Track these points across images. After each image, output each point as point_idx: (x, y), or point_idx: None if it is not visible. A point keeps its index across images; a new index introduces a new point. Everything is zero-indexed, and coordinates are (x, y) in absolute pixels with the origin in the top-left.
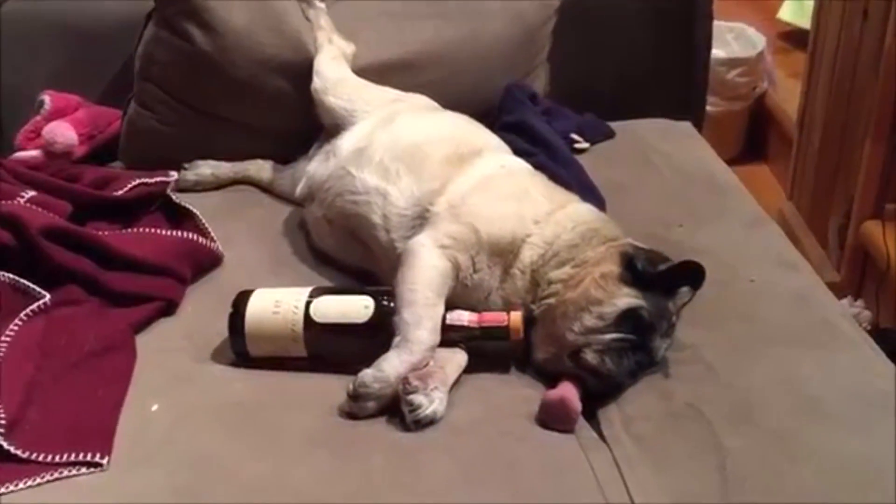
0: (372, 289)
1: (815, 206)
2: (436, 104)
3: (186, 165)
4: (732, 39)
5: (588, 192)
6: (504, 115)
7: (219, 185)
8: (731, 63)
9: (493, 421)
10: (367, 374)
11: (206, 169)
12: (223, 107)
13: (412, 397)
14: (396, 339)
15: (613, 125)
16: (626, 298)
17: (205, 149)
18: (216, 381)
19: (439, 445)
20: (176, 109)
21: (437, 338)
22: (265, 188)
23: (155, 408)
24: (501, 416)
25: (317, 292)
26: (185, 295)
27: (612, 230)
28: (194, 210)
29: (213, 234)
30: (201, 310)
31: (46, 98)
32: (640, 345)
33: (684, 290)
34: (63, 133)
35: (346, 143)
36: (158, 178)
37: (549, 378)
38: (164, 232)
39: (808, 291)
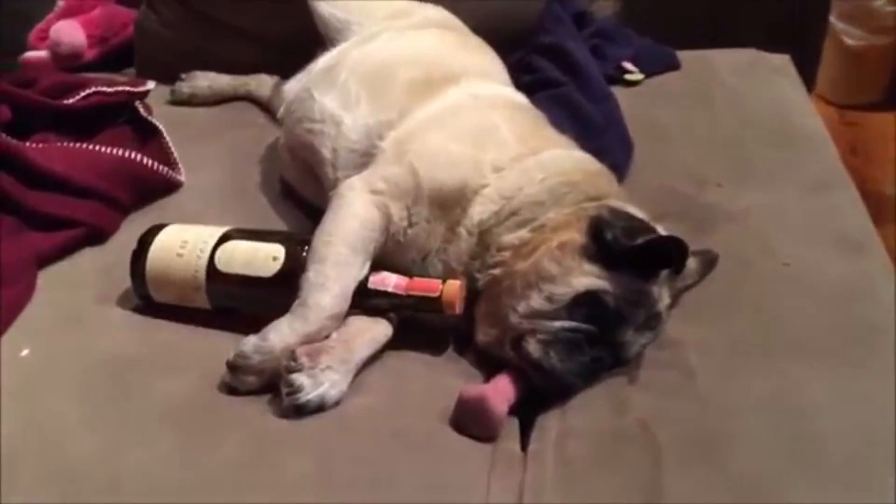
0: (296, 236)
1: None
2: (457, 21)
3: (183, 76)
4: None
5: (615, 134)
6: (540, 35)
7: (216, 99)
8: None
9: (394, 416)
10: (248, 342)
11: (203, 81)
12: (222, 8)
13: (294, 377)
14: (296, 302)
15: (686, 55)
16: (585, 278)
17: (209, 57)
18: (104, 328)
19: (311, 440)
20: (177, 11)
21: (342, 305)
22: (265, 106)
23: (25, 353)
24: (408, 410)
25: (232, 234)
26: (121, 223)
27: (600, 187)
28: (160, 127)
29: (175, 155)
30: (133, 241)
31: None
32: (599, 338)
33: (691, 270)
34: (69, 33)
35: (321, 61)
36: (120, 88)
37: (494, 366)
38: (105, 150)
39: (862, 283)
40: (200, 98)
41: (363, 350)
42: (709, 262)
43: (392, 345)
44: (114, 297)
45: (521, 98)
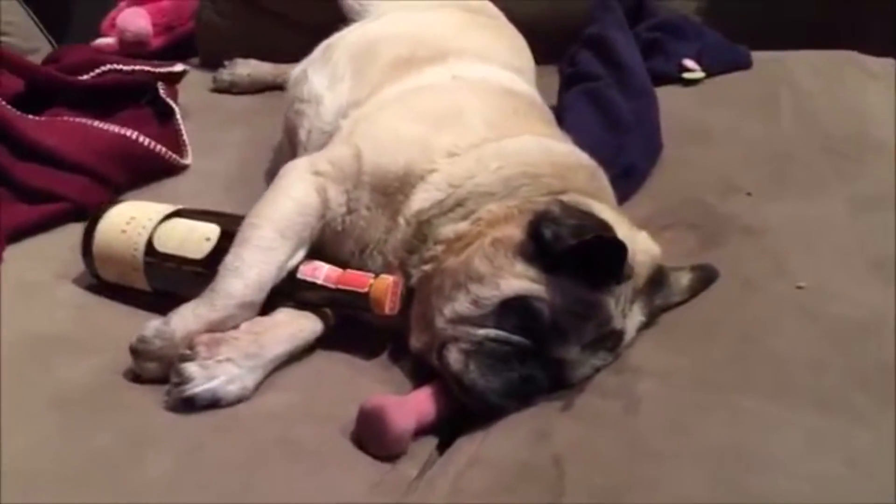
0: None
1: None
2: (491, 7)
3: (226, 63)
4: None
5: (641, 134)
6: (589, 26)
7: (257, 87)
8: None
9: (291, 421)
10: (150, 326)
11: (244, 69)
12: None
13: (184, 366)
14: (209, 287)
15: (763, 55)
16: (516, 281)
17: (265, 47)
18: (46, 305)
19: (184, 438)
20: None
21: (256, 293)
22: None
23: None
24: (310, 416)
25: (181, 213)
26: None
27: (571, 183)
28: (175, 108)
29: (184, 138)
30: None
31: None
32: (533, 353)
33: (681, 286)
34: (134, 21)
35: (325, 41)
36: (139, 67)
37: (429, 376)
38: (103, 127)
39: (889, 318)
40: (241, 86)
41: (277, 346)
42: (704, 279)
43: (324, 344)
44: (72, 274)
45: (520, 85)
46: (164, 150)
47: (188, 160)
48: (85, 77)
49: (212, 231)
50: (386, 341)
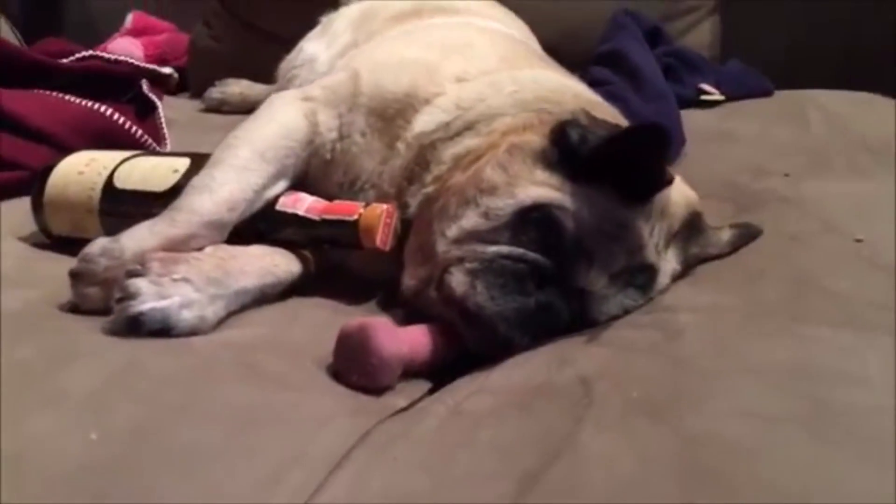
0: None
1: None
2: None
3: (216, 83)
4: None
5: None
6: (601, 45)
7: (248, 107)
8: None
9: (250, 349)
10: (96, 243)
11: (235, 88)
12: (271, 19)
13: (132, 281)
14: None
15: (790, 90)
16: (535, 188)
17: (258, 71)
18: None
19: (118, 356)
20: (228, 22)
21: (225, 213)
22: None
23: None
24: (281, 348)
25: (149, 154)
26: None
27: (592, 109)
28: (158, 103)
29: (164, 131)
30: None
31: (130, 16)
32: (553, 275)
33: (721, 240)
34: (125, 49)
35: (330, 15)
36: (122, 58)
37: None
38: (75, 100)
39: None
40: (232, 104)
41: (245, 278)
42: (746, 234)
43: (302, 291)
44: (21, 233)
45: (534, 44)
46: (139, 131)
47: (167, 150)
48: (65, 60)
49: (181, 163)
50: (375, 291)
